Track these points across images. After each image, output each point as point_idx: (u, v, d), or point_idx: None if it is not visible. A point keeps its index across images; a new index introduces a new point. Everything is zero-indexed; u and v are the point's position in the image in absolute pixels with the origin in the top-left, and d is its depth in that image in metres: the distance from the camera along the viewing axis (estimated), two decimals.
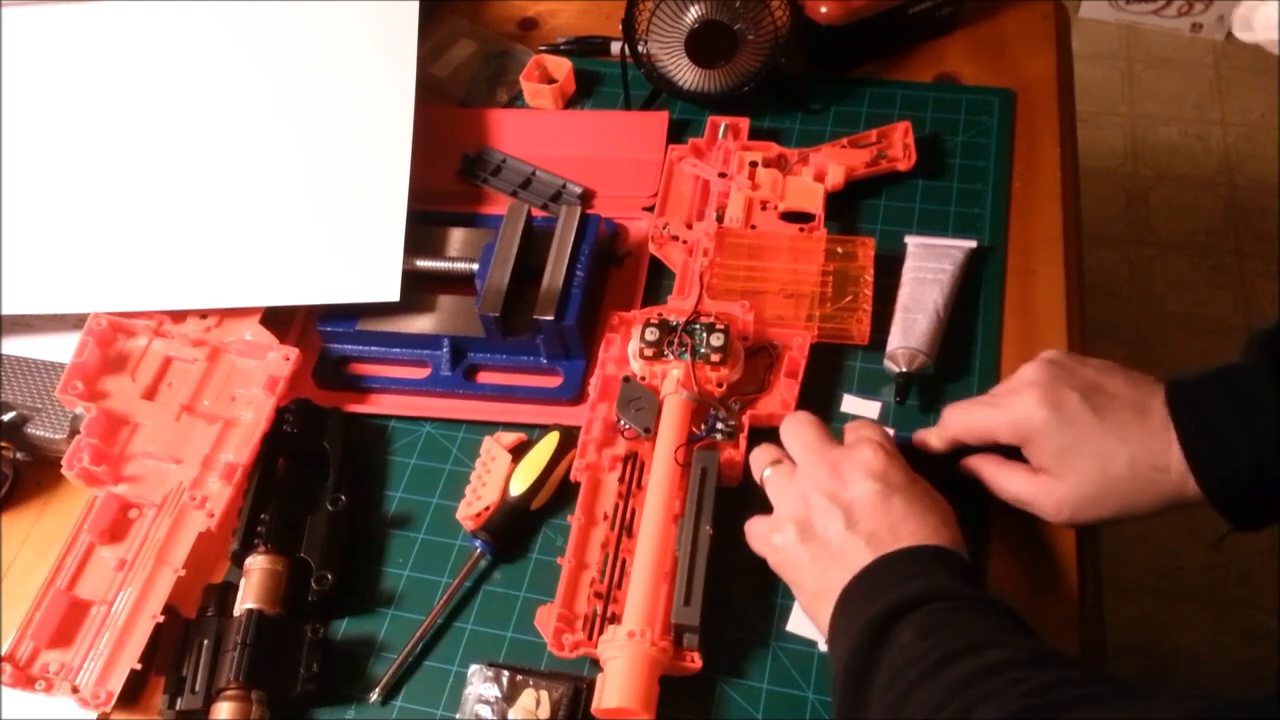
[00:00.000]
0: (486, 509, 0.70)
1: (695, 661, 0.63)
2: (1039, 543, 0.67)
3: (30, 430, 0.76)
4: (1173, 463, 0.59)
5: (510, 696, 0.63)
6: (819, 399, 0.74)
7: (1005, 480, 0.65)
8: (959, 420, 0.66)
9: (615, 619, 0.64)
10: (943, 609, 0.54)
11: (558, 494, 0.72)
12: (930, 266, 0.78)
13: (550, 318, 0.74)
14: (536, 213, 0.83)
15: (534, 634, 0.65)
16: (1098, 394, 0.61)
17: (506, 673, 0.63)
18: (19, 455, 0.77)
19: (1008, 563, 0.67)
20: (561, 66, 0.95)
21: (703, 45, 0.87)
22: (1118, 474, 0.60)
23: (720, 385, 0.72)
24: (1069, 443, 0.61)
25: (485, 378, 0.78)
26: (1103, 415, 0.60)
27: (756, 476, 0.67)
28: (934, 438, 0.68)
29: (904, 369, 0.73)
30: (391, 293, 0.77)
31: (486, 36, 1.02)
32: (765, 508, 0.70)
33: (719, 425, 0.71)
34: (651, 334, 0.73)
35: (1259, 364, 0.58)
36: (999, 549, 0.67)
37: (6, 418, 0.76)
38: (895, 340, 0.74)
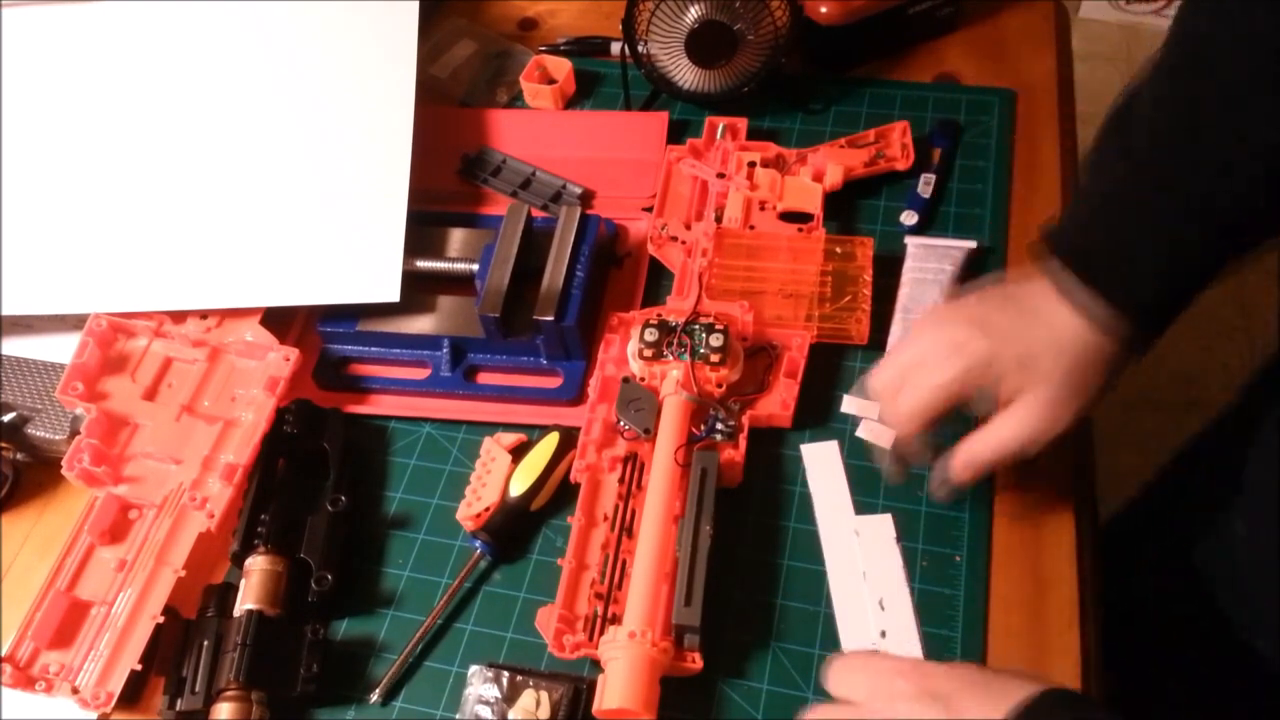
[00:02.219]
0: (486, 509, 0.70)
1: (696, 662, 0.63)
2: (1039, 544, 0.68)
3: (30, 431, 0.76)
4: (1068, 315, 0.58)
5: (510, 697, 0.63)
6: (818, 399, 0.74)
7: (992, 438, 0.61)
8: (918, 410, 0.61)
9: (616, 620, 0.64)
10: None
11: (558, 495, 0.72)
12: (930, 267, 0.78)
13: (550, 318, 0.74)
14: (536, 213, 0.83)
15: (534, 635, 0.65)
16: (998, 298, 0.61)
17: (506, 673, 0.63)
18: (19, 456, 0.77)
19: (1009, 564, 0.67)
20: (561, 67, 0.95)
21: (703, 45, 0.87)
22: (1070, 341, 0.58)
23: (720, 386, 0.72)
24: (1019, 349, 0.59)
25: (485, 378, 0.78)
26: (1018, 310, 0.59)
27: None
28: (907, 437, 0.64)
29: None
30: (391, 293, 0.77)
31: (486, 36, 1.02)
32: (765, 509, 0.70)
33: (719, 426, 0.71)
34: (651, 334, 0.73)
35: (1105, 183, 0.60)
36: (999, 550, 0.67)
37: (7, 418, 0.76)
38: (895, 341, 0.74)
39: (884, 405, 0.64)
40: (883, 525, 0.69)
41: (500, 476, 0.71)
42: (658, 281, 0.82)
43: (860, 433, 0.73)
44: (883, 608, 0.65)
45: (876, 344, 0.75)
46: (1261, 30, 0.52)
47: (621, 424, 0.72)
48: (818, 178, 0.83)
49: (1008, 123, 0.88)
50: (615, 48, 0.94)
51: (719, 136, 0.88)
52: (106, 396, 0.75)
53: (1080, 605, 0.65)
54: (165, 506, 0.71)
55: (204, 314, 0.78)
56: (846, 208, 0.84)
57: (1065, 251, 0.59)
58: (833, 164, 0.83)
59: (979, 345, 0.59)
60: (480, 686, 0.63)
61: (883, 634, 0.64)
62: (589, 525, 0.69)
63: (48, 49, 0.92)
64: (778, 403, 0.73)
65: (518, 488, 0.70)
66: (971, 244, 0.79)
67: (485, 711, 0.62)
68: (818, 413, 0.74)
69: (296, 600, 0.68)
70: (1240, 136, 0.54)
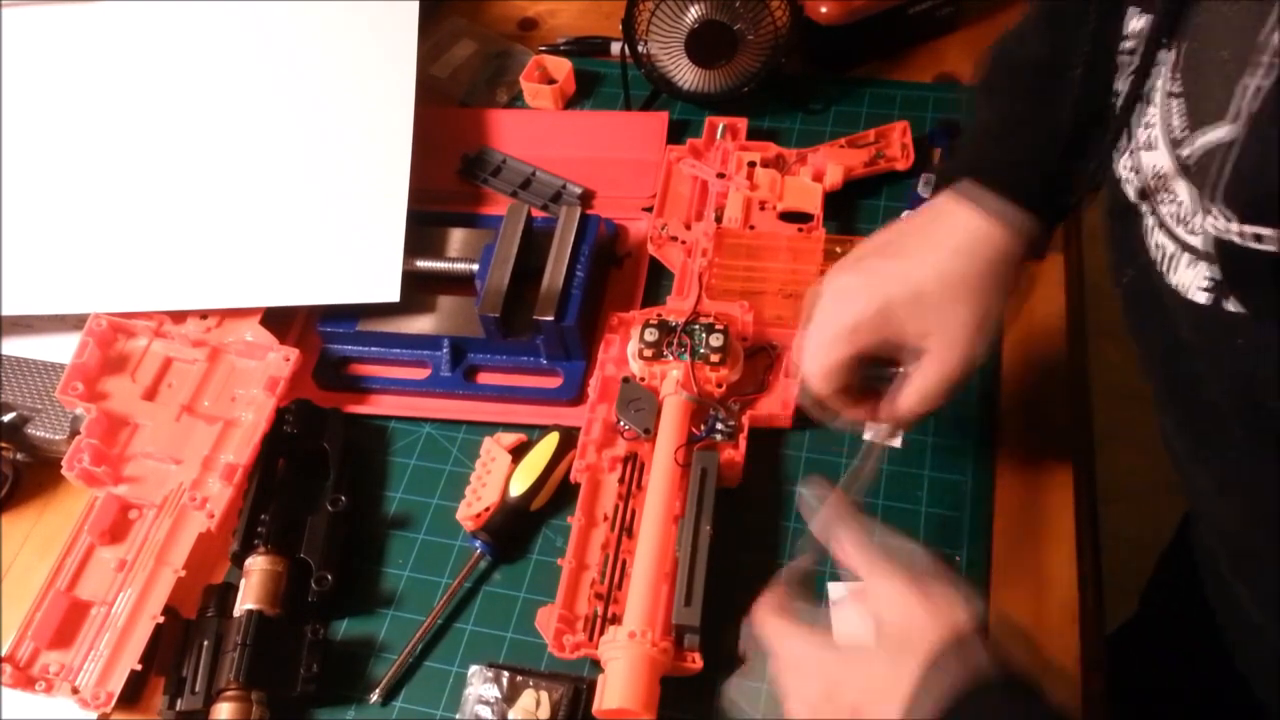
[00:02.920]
0: (486, 509, 0.70)
1: (696, 662, 0.63)
2: (1039, 544, 0.68)
3: (30, 431, 0.76)
4: (973, 216, 0.58)
5: (510, 697, 0.63)
6: None
7: (902, 404, 0.60)
8: (820, 370, 0.60)
9: (616, 620, 0.64)
10: None
11: (558, 494, 0.72)
12: None
13: (550, 318, 0.74)
14: (536, 213, 0.83)
15: (534, 634, 0.65)
16: (887, 249, 0.60)
17: (506, 673, 0.63)
18: (19, 456, 0.77)
19: (1009, 563, 0.67)
20: (561, 66, 0.95)
21: (703, 45, 0.87)
22: (969, 238, 0.58)
23: (720, 386, 0.72)
24: (909, 287, 0.58)
25: (485, 378, 0.78)
26: (900, 253, 0.59)
27: None
28: (823, 400, 0.61)
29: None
30: (391, 293, 0.77)
31: (486, 36, 1.02)
32: (765, 509, 0.70)
33: (719, 426, 0.71)
34: (651, 334, 0.73)
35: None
36: (1000, 549, 0.67)
37: (7, 418, 0.76)
38: None
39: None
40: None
41: (500, 476, 0.71)
42: (658, 281, 0.82)
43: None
44: None
45: None
46: None
47: (621, 424, 0.72)
48: (818, 178, 0.83)
49: None
50: (615, 48, 0.94)
51: (719, 136, 0.88)
52: (106, 396, 0.75)
53: (1080, 605, 0.65)
54: (165, 506, 0.71)
55: (204, 314, 0.78)
56: (846, 208, 0.84)
57: (963, 167, 0.60)
58: (833, 164, 0.83)
59: (863, 293, 0.58)
60: (480, 686, 0.63)
61: None
62: (589, 525, 0.69)
63: (48, 49, 0.92)
64: (778, 403, 0.73)
65: (518, 488, 0.70)
66: None
67: (485, 711, 0.62)
68: None
69: (296, 600, 0.68)
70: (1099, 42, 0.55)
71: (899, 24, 0.93)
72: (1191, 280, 0.45)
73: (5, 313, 0.79)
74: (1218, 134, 0.42)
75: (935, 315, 0.58)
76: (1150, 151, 0.48)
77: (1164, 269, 0.47)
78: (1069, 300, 0.79)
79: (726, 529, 0.68)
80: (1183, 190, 0.45)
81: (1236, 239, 0.40)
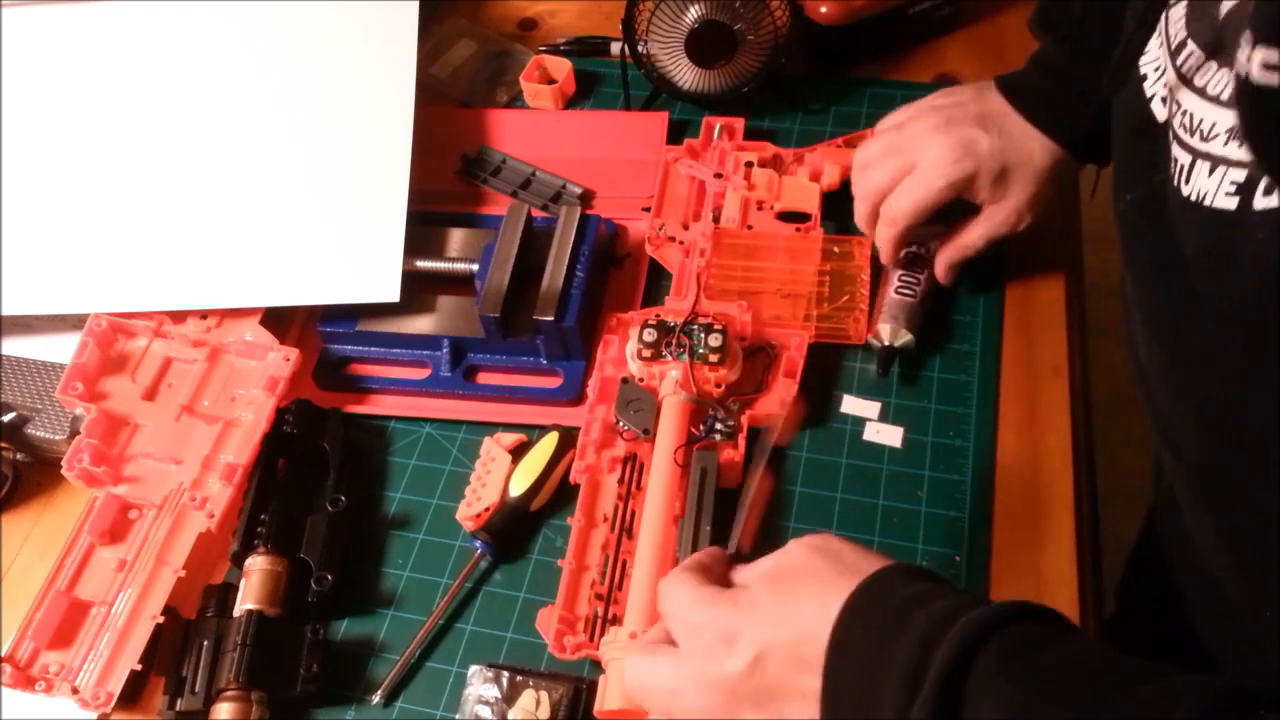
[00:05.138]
0: (486, 510, 0.70)
1: None
2: (1039, 544, 0.68)
3: (30, 431, 0.76)
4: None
5: (510, 697, 0.63)
6: (817, 399, 0.74)
7: (968, 239, 0.74)
8: (906, 212, 0.72)
9: (616, 620, 0.64)
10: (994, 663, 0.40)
11: (557, 495, 0.72)
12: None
13: (550, 318, 0.74)
14: (536, 213, 0.83)
15: (534, 635, 0.65)
16: (986, 120, 0.72)
17: (506, 673, 0.63)
18: (19, 456, 0.77)
19: (1009, 564, 0.67)
20: (561, 67, 0.95)
21: (703, 45, 0.87)
22: (1041, 158, 0.71)
23: (719, 386, 0.72)
24: (999, 168, 0.71)
25: (485, 378, 0.78)
26: (1002, 132, 0.71)
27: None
28: (887, 243, 0.75)
29: (887, 343, 0.74)
30: (391, 293, 0.77)
31: (486, 36, 1.02)
32: (765, 509, 0.70)
33: (718, 426, 0.71)
34: (649, 335, 0.73)
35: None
36: (999, 550, 0.67)
37: (7, 418, 0.76)
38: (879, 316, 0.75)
39: (869, 188, 0.75)
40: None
41: (500, 476, 0.71)
42: (657, 282, 0.82)
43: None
44: None
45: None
46: None
47: (621, 424, 0.72)
48: (815, 177, 0.83)
49: None
50: (615, 48, 0.94)
51: (716, 137, 0.88)
52: (106, 396, 0.75)
53: (1080, 605, 0.65)
54: (165, 506, 0.71)
55: (204, 314, 0.78)
56: (844, 207, 0.84)
57: (1026, 102, 0.72)
58: (830, 164, 0.83)
59: (967, 160, 0.71)
60: (480, 687, 0.63)
61: None
62: (589, 526, 0.69)
63: (48, 49, 0.92)
64: (777, 402, 0.73)
65: (518, 488, 0.70)
66: None
67: (485, 711, 0.62)
68: (817, 412, 0.74)
69: (296, 600, 0.68)
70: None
71: (899, 24, 0.93)
72: (1215, 187, 0.44)
73: (5, 313, 0.79)
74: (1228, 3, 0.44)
75: (1011, 190, 0.72)
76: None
77: (1179, 181, 0.46)
78: (1069, 300, 0.79)
79: (726, 529, 0.68)
80: (1189, 99, 0.46)
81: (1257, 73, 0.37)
